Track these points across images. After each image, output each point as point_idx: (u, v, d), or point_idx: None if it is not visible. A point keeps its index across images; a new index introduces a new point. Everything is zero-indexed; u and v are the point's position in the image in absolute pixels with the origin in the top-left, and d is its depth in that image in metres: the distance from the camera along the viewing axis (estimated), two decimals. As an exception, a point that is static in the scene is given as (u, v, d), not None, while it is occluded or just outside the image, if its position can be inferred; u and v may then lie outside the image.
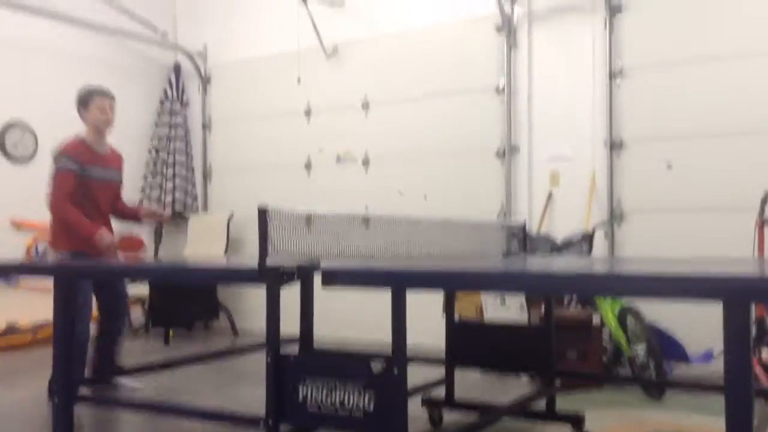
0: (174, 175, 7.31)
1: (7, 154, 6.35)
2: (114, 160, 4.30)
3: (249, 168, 7.18)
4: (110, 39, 7.11)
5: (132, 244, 4.35)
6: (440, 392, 3.54)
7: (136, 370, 3.27)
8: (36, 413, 3.90)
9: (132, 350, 6.16)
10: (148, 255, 4.11)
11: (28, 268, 3.60)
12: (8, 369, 5.26)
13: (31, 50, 6.57)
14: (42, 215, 6.47)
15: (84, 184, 4.03)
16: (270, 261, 2.33)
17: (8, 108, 6.37)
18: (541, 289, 2.00)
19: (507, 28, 5.71)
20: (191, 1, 7.61)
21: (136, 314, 7.06)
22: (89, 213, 4.04)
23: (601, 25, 5.31)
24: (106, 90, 4.21)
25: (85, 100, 4.13)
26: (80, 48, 6.94)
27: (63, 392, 2.81)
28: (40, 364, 5.32)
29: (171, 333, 6.54)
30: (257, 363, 2.63)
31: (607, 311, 4.51)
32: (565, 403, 3.81)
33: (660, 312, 4.63)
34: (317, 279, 2.34)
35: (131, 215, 4.38)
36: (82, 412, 2.92)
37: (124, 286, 4.29)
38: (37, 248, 6.43)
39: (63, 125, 6.71)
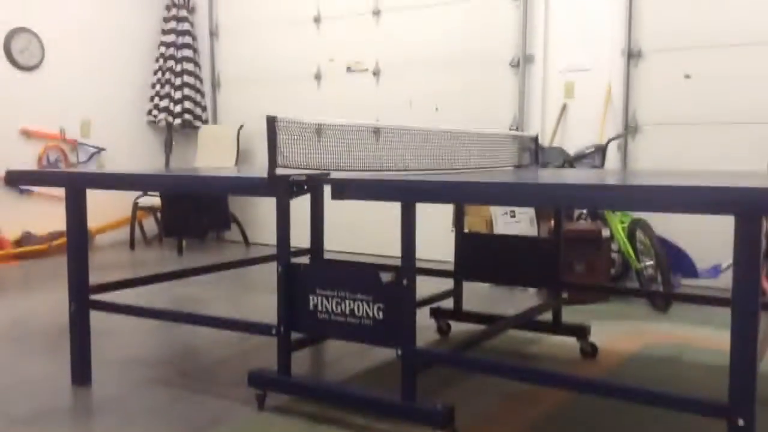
0: (183, 84, 7.22)
1: (13, 62, 6.26)
2: None
3: (258, 78, 7.07)
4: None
5: None
6: (448, 304, 3.59)
7: (150, 279, 3.33)
8: (53, 320, 4.01)
9: (146, 260, 6.27)
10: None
11: (40, 178, 3.61)
12: (25, 277, 5.38)
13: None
14: (52, 125, 6.52)
15: None
16: (279, 172, 2.31)
17: (13, 14, 6.24)
18: (549, 202, 1.98)
19: (525, -70, 5.46)
20: None
21: (149, 224, 7.17)
22: None
23: (624, -72, 5.07)
24: None
25: None
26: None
27: (78, 299, 2.87)
28: (56, 273, 5.44)
29: (184, 243, 6.64)
30: (269, 273, 2.67)
31: (616, 224, 4.52)
32: (571, 315, 3.87)
33: (669, 226, 4.62)
34: (327, 190, 2.33)
35: None
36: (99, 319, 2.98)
37: None
38: (48, 157, 6.45)
39: (69, 32, 6.65)
